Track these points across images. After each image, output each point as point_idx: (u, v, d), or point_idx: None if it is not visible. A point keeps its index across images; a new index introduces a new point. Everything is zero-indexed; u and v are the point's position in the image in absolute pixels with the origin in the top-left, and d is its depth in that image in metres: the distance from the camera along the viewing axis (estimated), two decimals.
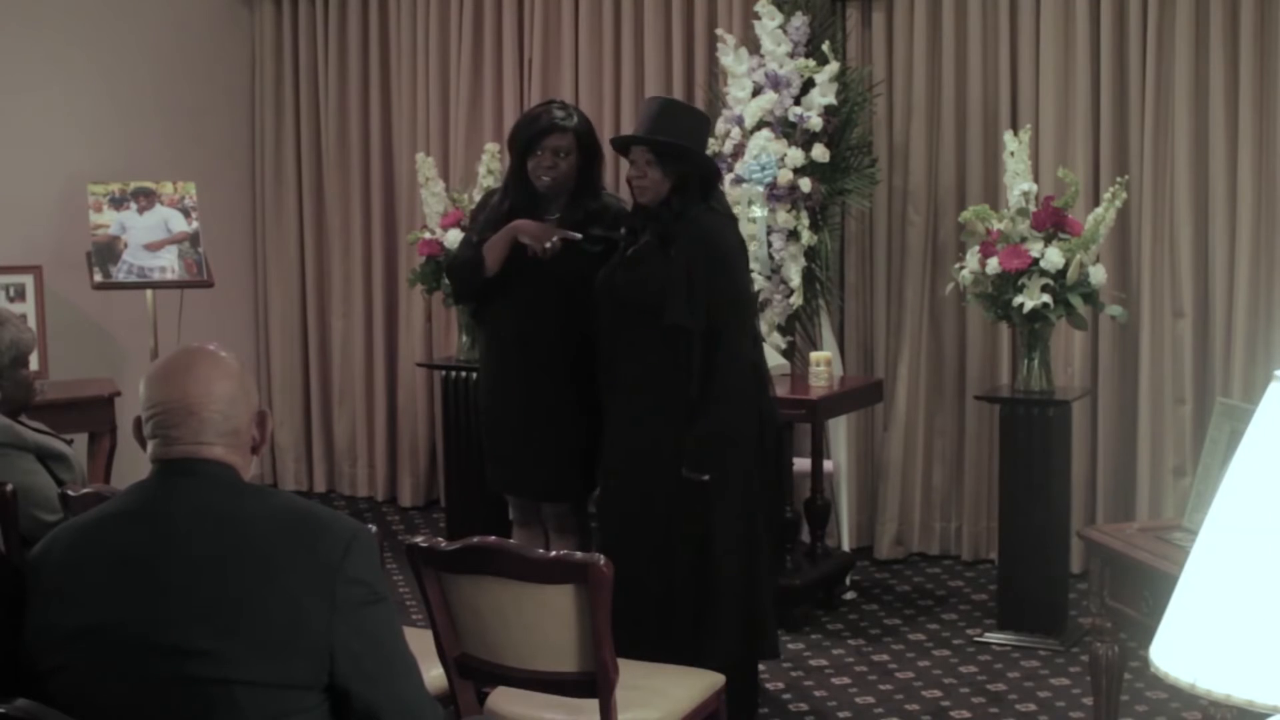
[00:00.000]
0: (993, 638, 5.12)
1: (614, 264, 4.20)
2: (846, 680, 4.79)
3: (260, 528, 2.19)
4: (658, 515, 4.09)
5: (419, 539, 3.05)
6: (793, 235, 5.55)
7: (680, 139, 4.10)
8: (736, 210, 4.78)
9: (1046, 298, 4.91)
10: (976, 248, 5.06)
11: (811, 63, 5.59)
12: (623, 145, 4.25)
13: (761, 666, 4.50)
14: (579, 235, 4.25)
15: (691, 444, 4.02)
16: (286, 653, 2.13)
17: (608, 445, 4.29)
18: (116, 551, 2.19)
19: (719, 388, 4.02)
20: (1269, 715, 1.50)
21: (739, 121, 5.60)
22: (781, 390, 5.02)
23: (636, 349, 4.12)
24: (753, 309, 4.39)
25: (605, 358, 4.24)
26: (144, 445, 2.29)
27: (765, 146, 5.50)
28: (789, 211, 5.54)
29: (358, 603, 2.18)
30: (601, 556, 2.96)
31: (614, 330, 4.19)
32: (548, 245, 4.22)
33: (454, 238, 5.81)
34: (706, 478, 4.02)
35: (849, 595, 5.61)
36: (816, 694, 4.67)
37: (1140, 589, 3.58)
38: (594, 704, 3.01)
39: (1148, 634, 1.70)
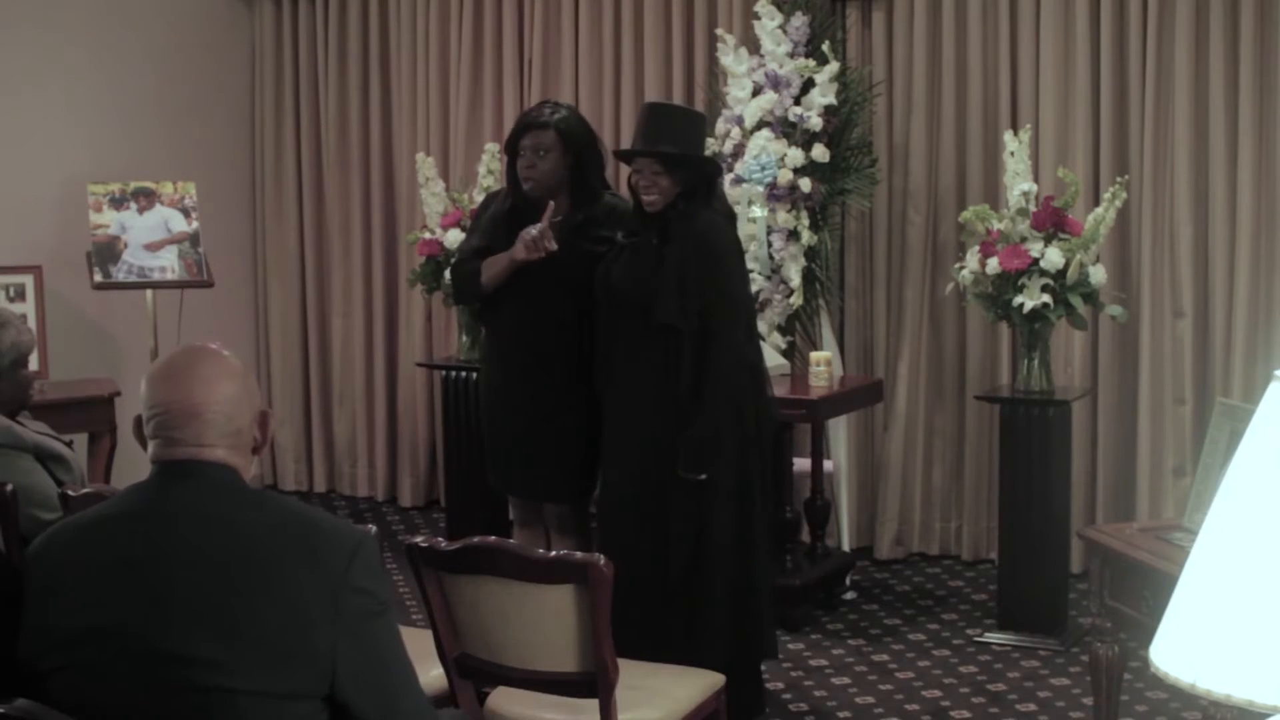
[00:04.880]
0: (993, 638, 5.12)
1: (609, 260, 4.22)
2: (846, 680, 4.79)
3: (263, 535, 2.16)
4: (653, 513, 4.11)
5: (419, 539, 3.05)
6: (793, 235, 5.55)
7: (683, 145, 4.14)
8: (736, 210, 4.78)
9: (1046, 298, 4.91)
10: (976, 248, 5.06)
11: (811, 63, 5.59)
12: (627, 156, 4.27)
13: (763, 666, 4.50)
14: (552, 235, 4.20)
15: (686, 444, 4.03)
16: (289, 663, 2.10)
17: (605, 442, 4.31)
18: (118, 555, 2.16)
19: (713, 388, 4.04)
20: (1269, 715, 1.50)
21: (739, 121, 5.60)
22: (781, 390, 5.02)
23: (631, 346, 4.15)
24: (749, 308, 4.40)
25: (602, 354, 4.27)
26: (144, 445, 2.26)
27: (765, 146, 5.50)
28: (789, 211, 5.54)
29: (361, 614, 2.15)
30: (602, 556, 2.97)
31: (610, 327, 4.22)
32: (547, 247, 4.20)
33: (454, 238, 5.81)
34: (703, 477, 4.03)
35: (849, 595, 5.61)
36: (816, 694, 4.67)
37: (1140, 589, 3.58)
38: (594, 704, 3.01)
39: (1148, 634, 1.70)
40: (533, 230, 4.20)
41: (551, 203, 4.25)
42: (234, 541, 2.15)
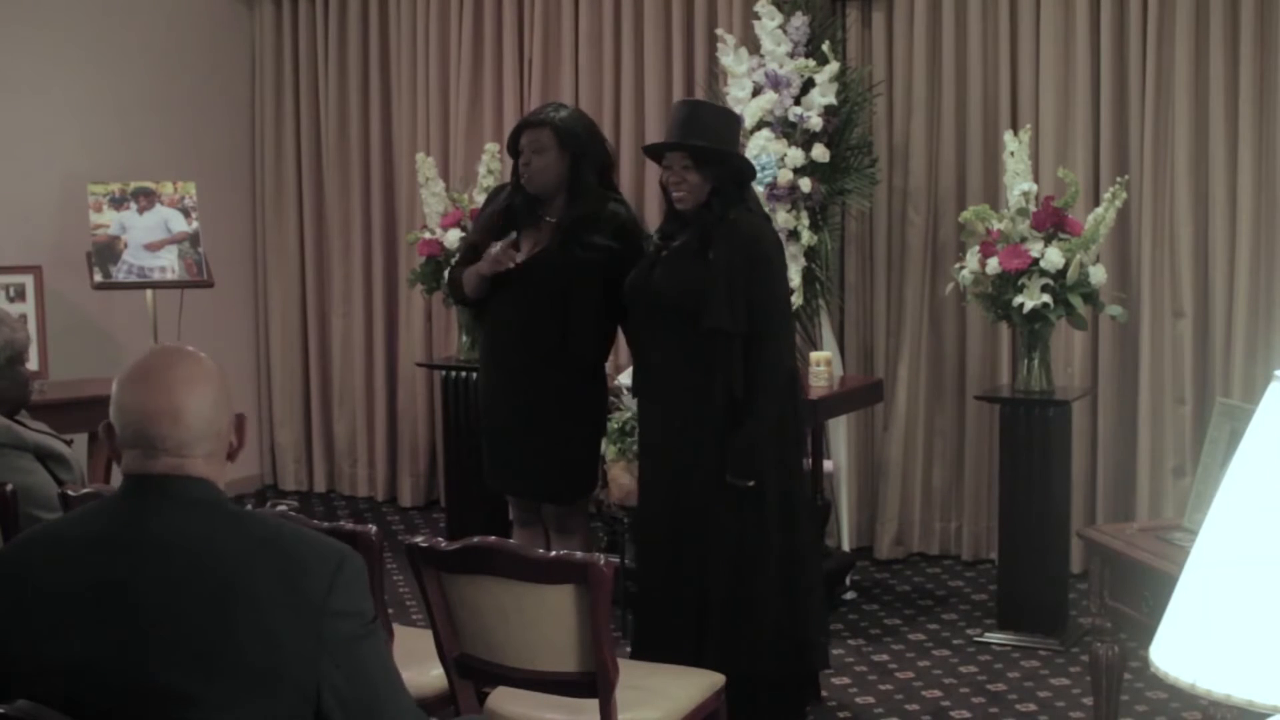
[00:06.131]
0: (993, 638, 5.12)
1: (647, 264, 4.13)
2: (846, 680, 4.79)
3: (241, 562, 2.06)
4: (694, 520, 4.03)
5: (419, 539, 3.05)
6: (793, 235, 5.55)
7: (713, 141, 4.03)
8: None
9: (1046, 298, 4.91)
10: (976, 248, 5.06)
11: (811, 63, 5.59)
12: (655, 152, 4.19)
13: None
14: (515, 245, 4.24)
15: (736, 451, 3.96)
16: (271, 693, 2.03)
17: (642, 449, 4.26)
18: (90, 583, 2.06)
19: (764, 393, 3.97)
20: (1269, 715, 1.50)
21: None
22: None
23: (672, 351, 4.06)
24: (790, 312, 4.35)
25: (639, 360, 4.20)
26: (115, 454, 2.14)
27: (765, 146, 5.50)
28: (789, 211, 5.54)
29: (345, 639, 2.07)
30: (601, 556, 2.97)
31: (648, 332, 4.13)
32: (512, 264, 4.22)
33: (454, 238, 5.83)
34: (752, 484, 3.97)
35: (849, 595, 5.61)
36: None
37: (1140, 589, 3.58)
38: (594, 704, 3.01)
39: (1148, 634, 1.70)
40: (494, 248, 4.25)
41: (515, 233, 4.29)
42: (211, 569, 2.05)
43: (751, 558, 4.02)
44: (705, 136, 4.03)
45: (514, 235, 4.26)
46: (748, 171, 4.18)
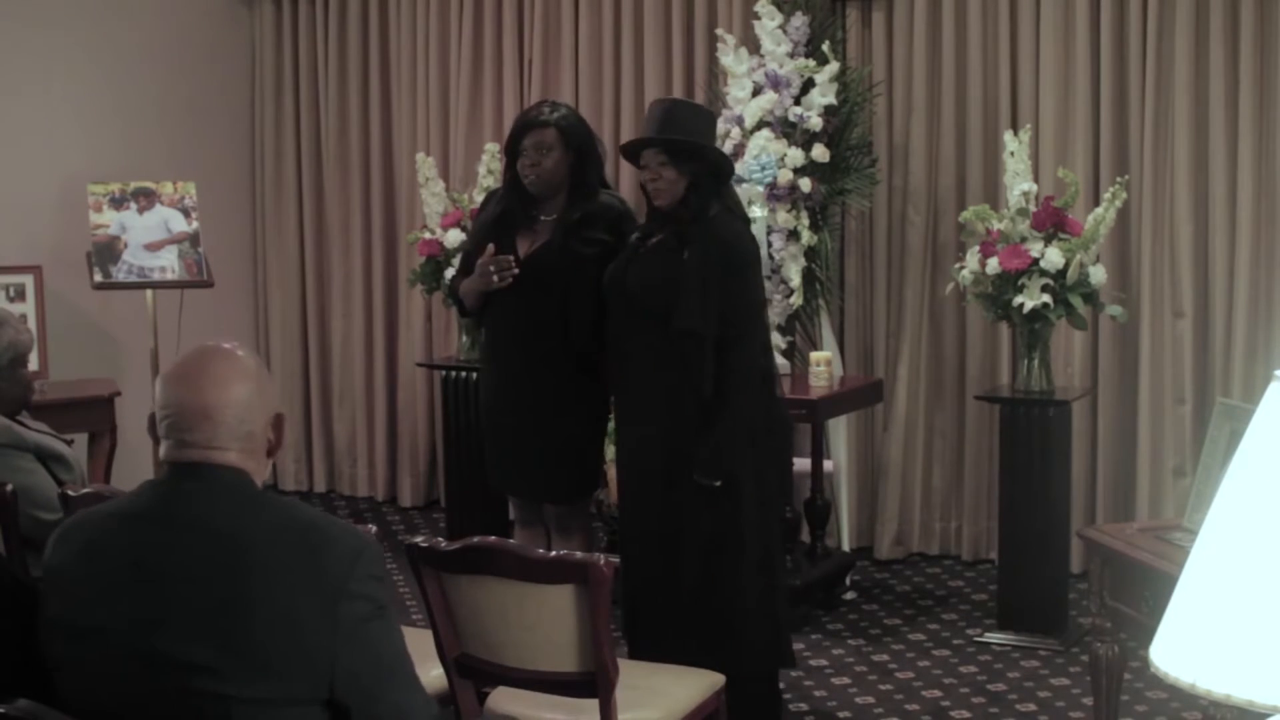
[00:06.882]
0: (993, 638, 5.12)
1: (624, 260, 4.14)
2: (846, 680, 4.79)
3: (264, 542, 2.14)
4: (669, 518, 4.04)
5: (419, 539, 3.05)
6: (793, 235, 5.55)
7: (691, 136, 4.04)
8: None
9: (1046, 298, 4.91)
10: (976, 248, 5.06)
11: (811, 63, 5.59)
12: (633, 151, 4.19)
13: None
14: (510, 261, 4.25)
15: (703, 451, 3.97)
16: (287, 671, 2.10)
17: (618, 447, 4.27)
18: (125, 555, 2.16)
19: (731, 396, 3.97)
20: (1269, 715, 1.50)
21: (739, 121, 5.60)
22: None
23: (644, 349, 4.07)
24: (764, 314, 4.36)
25: (613, 355, 4.21)
26: (157, 442, 2.25)
27: (765, 146, 5.50)
28: (789, 211, 5.54)
29: (360, 619, 2.14)
30: (601, 556, 2.97)
31: (622, 328, 4.14)
32: (497, 279, 4.24)
33: (454, 238, 5.83)
34: (719, 484, 3.97)
35: (849, 595, 5.61)
36: (816, 694, 4.67)
37: (1140, 589, 3.58)
38: (594, 704, 3.01)
39: (1148, 634, 1.70)
40: (490, 266, 4.25)
41: (491, 245, 4.30)
42: (235, 548, 2.13)
43: (732, 558, 4.03)
44: (680, 133, 4.04)
45: (510, 258, 4.27)
46: (725, 167, 4.19)
